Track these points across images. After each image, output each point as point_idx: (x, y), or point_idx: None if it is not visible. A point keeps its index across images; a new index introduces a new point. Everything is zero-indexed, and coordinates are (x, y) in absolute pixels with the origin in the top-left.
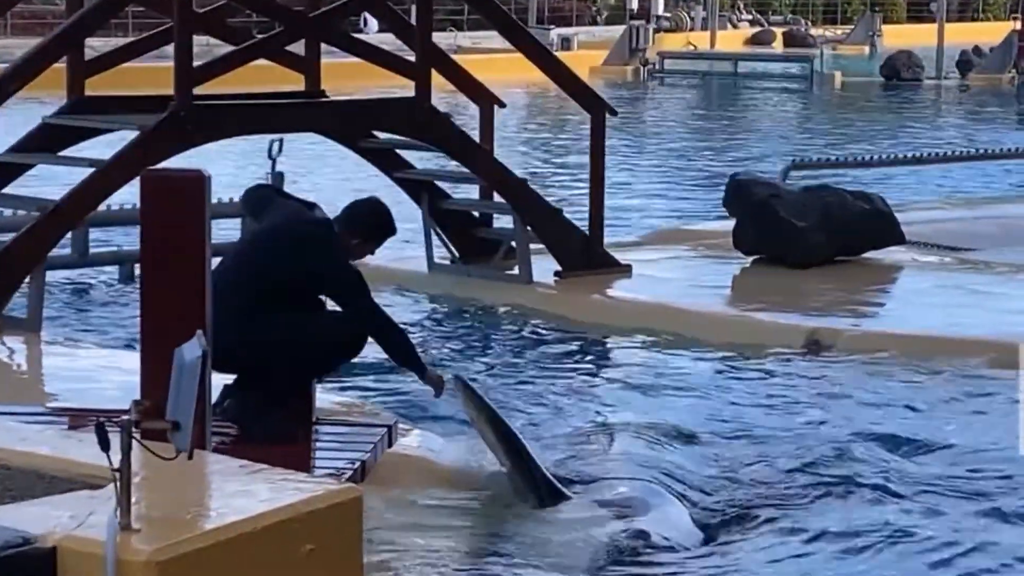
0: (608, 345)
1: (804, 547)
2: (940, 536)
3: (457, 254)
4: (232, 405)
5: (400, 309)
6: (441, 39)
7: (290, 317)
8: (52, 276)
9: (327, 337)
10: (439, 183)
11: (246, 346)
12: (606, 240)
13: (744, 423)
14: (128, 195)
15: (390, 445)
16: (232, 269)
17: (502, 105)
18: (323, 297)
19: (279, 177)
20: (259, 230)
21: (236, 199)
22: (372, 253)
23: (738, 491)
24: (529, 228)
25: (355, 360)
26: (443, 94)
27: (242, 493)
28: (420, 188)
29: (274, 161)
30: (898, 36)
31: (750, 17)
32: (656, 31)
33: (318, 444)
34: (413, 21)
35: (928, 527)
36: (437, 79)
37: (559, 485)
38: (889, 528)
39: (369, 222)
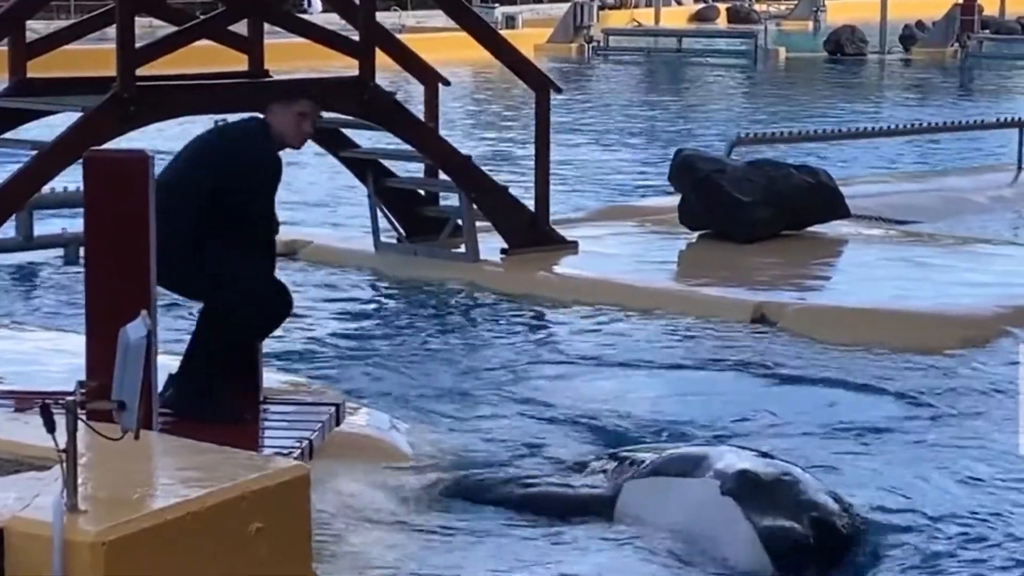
0: (555, 322)
1: None
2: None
3: (403, 233)
4: (174, 392)
5: (346, 288)
6: (385, 18)
7: (221, 253)
8: None
9: (252, 283)
10: (384, 162)
11: (184, 273)
12: (552, 217)
13: (692, 398)
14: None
15: (337, 424)
16: (166, 186)
17: (447, 83)
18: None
19: None
20: (187, 144)
21: None
22: (308, 117)
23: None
24: (475, 206)
25: (302, 340)
26: (389, 73)
27: (189, 472)
28: (365, 167)
29: None
30: (842, 11)
31: None
32: (600, 8)
33: (266, 423)
34: (357, 1)
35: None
36: (383, 58)
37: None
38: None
39: (278, 91)
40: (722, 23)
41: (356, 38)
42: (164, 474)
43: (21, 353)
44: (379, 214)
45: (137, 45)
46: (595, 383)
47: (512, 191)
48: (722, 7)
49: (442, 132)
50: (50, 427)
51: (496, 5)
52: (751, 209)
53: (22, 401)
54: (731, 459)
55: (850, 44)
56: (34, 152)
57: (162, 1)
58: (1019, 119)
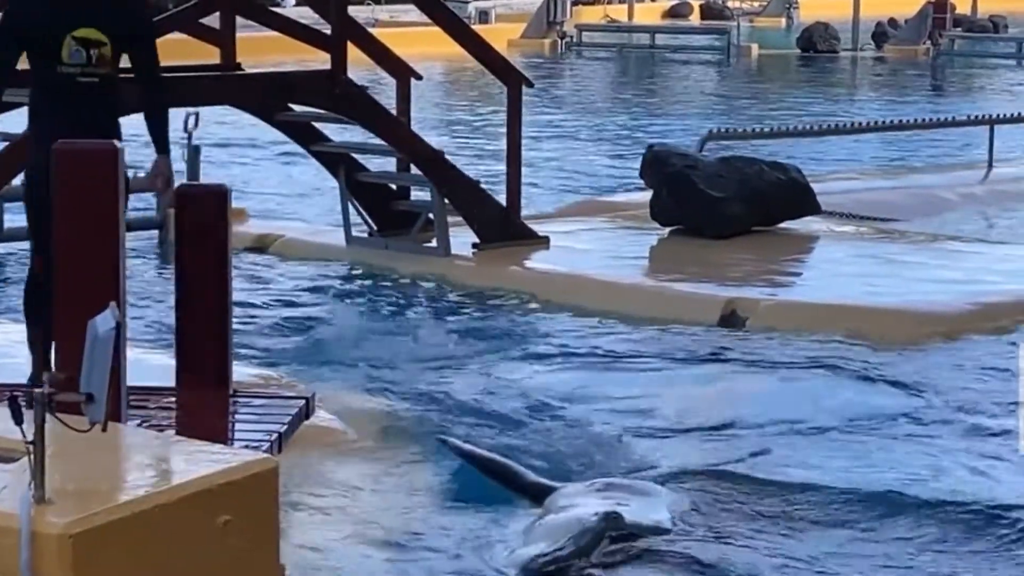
0: (526, 317)
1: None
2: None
3: (375, 227)
4: None
5: (317, 282)
6: (359, 12)
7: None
8: None
9: None
10: (356, 156)
11: None
12: (523, 212)
13: (662, 396)
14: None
15: (307, 417)
16: None
17: (419, 78)
18: None
19: (195, 151)
20: None
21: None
22: None
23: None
24: (446, 200)
25: (272, 334)
26: (363, 68)
27: (158, 464)
28: (337, 161)
29: (190, 135)
30: (815, 8)
31: None
32: (574, 4)
33: (236, 416)
34: None
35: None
36: (356, 53)
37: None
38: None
39: None
40: (695, 19)
41: (328, 32)
42: (132, 467)
43: None
44: (351, 208)
45: None
46: (567, 378)
47: (484, 186)
48: (695, 4)
49: (414, 126)
50: (18, 419)
51: (469, 0)
52: (723, 205)
53: None
54: (627, 495)
55: (822, 41)
56: (4, 144)
57: None
58: (990, 116)
